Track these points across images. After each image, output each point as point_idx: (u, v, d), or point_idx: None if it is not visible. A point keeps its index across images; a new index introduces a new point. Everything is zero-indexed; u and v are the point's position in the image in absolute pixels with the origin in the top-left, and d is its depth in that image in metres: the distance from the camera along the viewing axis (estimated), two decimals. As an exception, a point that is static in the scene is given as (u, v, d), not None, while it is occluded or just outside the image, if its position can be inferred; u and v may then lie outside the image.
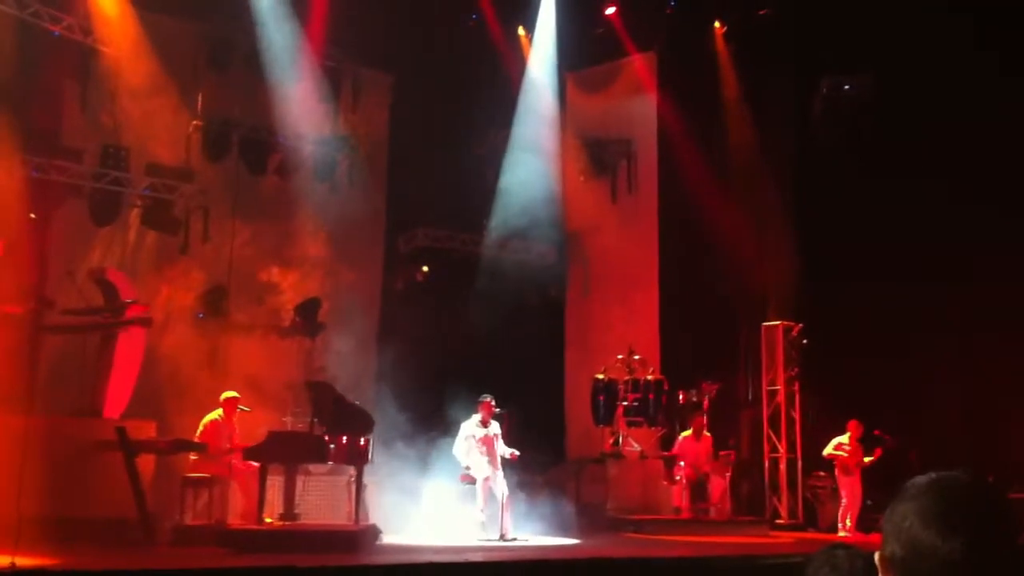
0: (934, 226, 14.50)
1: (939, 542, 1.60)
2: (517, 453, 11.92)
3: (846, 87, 15.85)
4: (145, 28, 13.40)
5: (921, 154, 14.64)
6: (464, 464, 11.72)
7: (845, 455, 13.78)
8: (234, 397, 11.18)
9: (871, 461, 13.64)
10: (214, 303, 13.85)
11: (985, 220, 13.97)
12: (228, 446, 10.85)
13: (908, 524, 1.63)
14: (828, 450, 13.94)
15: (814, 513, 14.89)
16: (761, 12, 16.17)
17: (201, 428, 10.96)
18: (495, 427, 11.92)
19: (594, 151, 17.46)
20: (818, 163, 16.22)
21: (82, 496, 10.02)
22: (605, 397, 14.66)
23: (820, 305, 15.54)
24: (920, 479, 1.70)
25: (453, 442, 12.02)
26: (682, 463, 13.92)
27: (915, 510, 1.64)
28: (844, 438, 13.91)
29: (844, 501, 13.76)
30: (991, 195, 13.88)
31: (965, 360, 14.42)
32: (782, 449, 15.18)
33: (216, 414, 11.05)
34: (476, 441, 11.76)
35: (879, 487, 13.74)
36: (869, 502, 13.86)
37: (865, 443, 13.85)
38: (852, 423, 13.90)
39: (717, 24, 16.86)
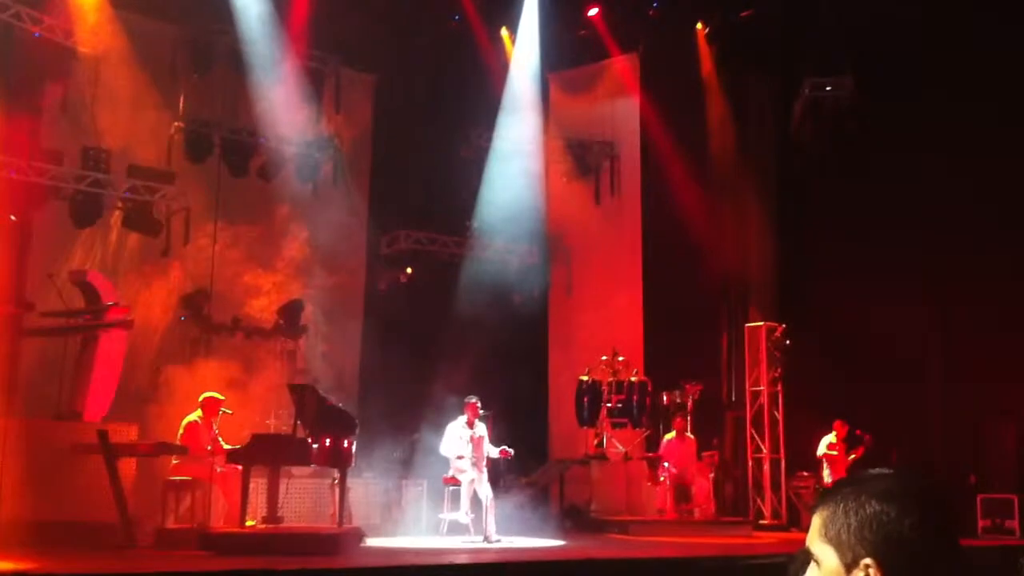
0: (915, 226, 14.59)
1: (932, 538, 1.62)
2: (511, 451, 11.88)
3: (828, 88, 15.88)
4: (126, 29, 13.34)
5: (903, 154, 14.72)
6: (457, 455, 11.65)
7: (836, 455, 13.95)
8: (213, 398, 11.03)
9: (855, 459, 13.80)
10: (196, 305, 13.78)
11: (967, 220, 14.06)
12: (209, 448, 10.78)
13: (894, 525, 1.63)
14: (822, 450, 14.08)
15: (797, 513, 14.92)
16: (743, 14, 16.23)
17: (181, 430, 10.87)
18: (481, 428, 11.90)
19: (577, 152, 17.48)
20: (800, 164, 16.29)
21: (63, 499, 9.95)
22: (589, 399, 14.66)
23: (802, 305, 15.60)
24: (888, 482, 1.70)
25: (436, 443, 11.99)
26: (666, 464, 13.94)
27: (898, 511, 1.64)
28: (832, 437, 14.06)
29: None
30: (973, 194, 13.97)
31: (946, 360, 14.48)
32: (765, 449, 15.21)
33: (195, 415, 10.92)
34: (462, 443, 11.74)
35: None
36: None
37: (848, 442, 14.01)
38: (837, 423, 14.06)
39: (699, 25, 16.90)
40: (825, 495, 1.72)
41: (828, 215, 15.78)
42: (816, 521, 1.70)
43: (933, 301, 14.62)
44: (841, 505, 1.66)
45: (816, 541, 1.68)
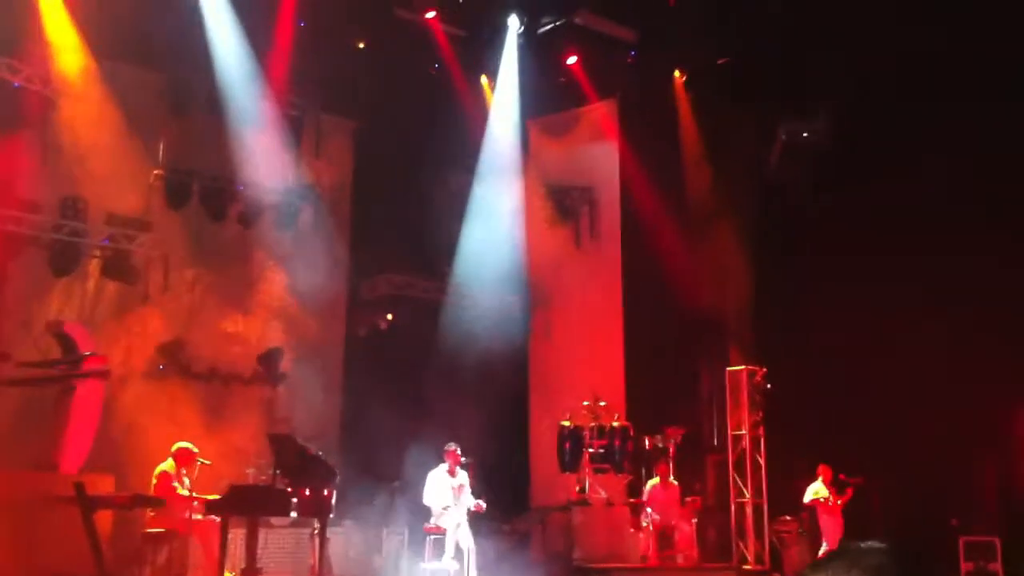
0: (894, 267, 14.67)
1: None
2: (483, 505, 11.82)
3: (804, 134, 16.05)
4: (106, 77, 13.34)
5: (880, 196, 14.83)
6: (441, 507, 11.56)
7: (825, 499, 13.95)
8: (186, 448, 10.88)
9: (845, 501, 13.86)
10: (174, 354, 13.70)
11: (947, 263, 14.13)
12: (186, 498, 10.63)
13: None
14: (808, 497, 14.06)
15: (780, 558, 14.87)
16: (720, 61, 16.40)
17: (154, 480, 10.70)
18: (462, 476, 11.83)
19: (557, 197, 17.56)
20: (778, 208, 16.39)
21: (39, 552, 9.79)
22: (571, 444, 14.55)
23: (783, 348, 15.62)
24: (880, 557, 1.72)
25: (417, 491, 11.91)
26: (649, 510, 13.86)
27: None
28: (818, 484, 14.05)
29: (826, 545, 13.81)
30: (952, 235, 14.05)
31: (927, 403, 14.49)
32: (748, 494, 15.16)
33: (167, 465, 10.74)
34: (444, 490, 11.66)
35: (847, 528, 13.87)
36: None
37: (836, 486, 14.03)
38: (822, 467, 14.05)
39: (677, 73, 17.07)
40: (816, 566, 1.72)
41: (807, 258, 15.84)
42: None
43: (912, 343, 14.64)
44: None
45: None
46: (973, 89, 14.07)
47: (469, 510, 11.69)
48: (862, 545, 1.57)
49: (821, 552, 13.82)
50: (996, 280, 13.78)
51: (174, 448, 10.86)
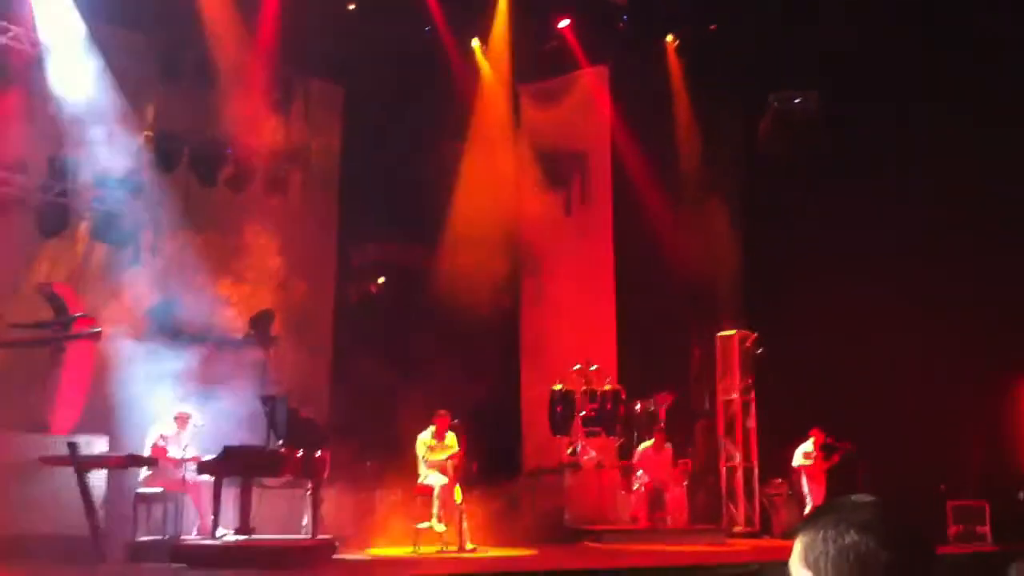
0: (883, 235, 14.72)
1: (909, 571, 1.65)
2: (458, 451, 11.79)
3: (795, 101, 16.04)
4: (95, 39, 13.20)
5: (869, 164, 14.85)
6: (445, 456, 11.59)
7: (812, 463, 14.01)
8: (182, 412, 10.97)
9: (829, 466, 13.94)
10: (164, 316, 13.64)
11: (934, 230, 14.19)
12: (179, 456, 10.69)
13: (872, 556, 1.65)
14: (797, 460, 14.11)
15: (769, 521, 14.98)
16: (711, 28, 16.34)
17: (149, 441, 10.77)
18: (451, 439, 11.85)
19: (548, 163, 17.50)
20: (768, 174, 16.40)
21: (32, 513, 9.78)
22: (563, 407, 14.65)
23: (773, 314, 15.67)
24: (869, 513, 1.71)
25: (407, 454, 11.94)
26: (640, 472, 13.95)
27: (877, 543, 1.66)
28: (808, 445, 14.12)
29: (810, 507, 13.91)
30: (942, 204, 14.09)
31: (917, 367, 14.58)
32: (738, 457, 15.26)
33: (164, 427, 10.85)
34: (433, 453, 11.70)
35: (832, 493, 13.93)
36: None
37: (825, 450, 14.09)
38: (815, 430, 14.12)
39: (669, 38, 17.00)
40: (807, 521, 1.74)
41: (797, 225, 15.86)
42: (797, 546, 1.71)
43: (902, 309, 14.71)
44: (821, 533, 1.68)
45: (797, 566, 1.70)
46: (965, 63, 14.08)
47: (456, 469, 11.69)
48: (852, 499, 1.56)
49: (805, 512, 13.92)
50: (989, 249, 13.85)
51: (173, 411, 10.92)
